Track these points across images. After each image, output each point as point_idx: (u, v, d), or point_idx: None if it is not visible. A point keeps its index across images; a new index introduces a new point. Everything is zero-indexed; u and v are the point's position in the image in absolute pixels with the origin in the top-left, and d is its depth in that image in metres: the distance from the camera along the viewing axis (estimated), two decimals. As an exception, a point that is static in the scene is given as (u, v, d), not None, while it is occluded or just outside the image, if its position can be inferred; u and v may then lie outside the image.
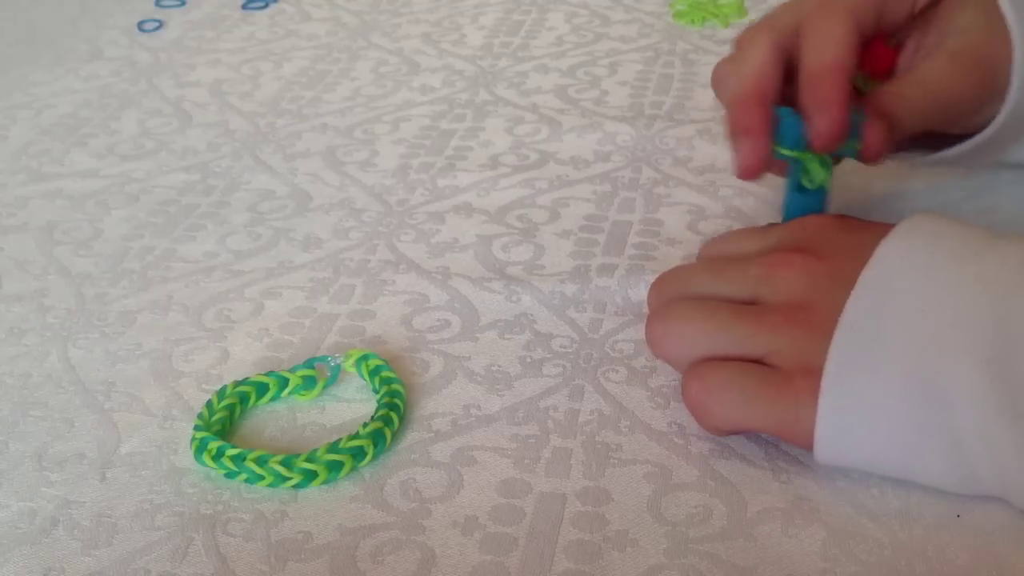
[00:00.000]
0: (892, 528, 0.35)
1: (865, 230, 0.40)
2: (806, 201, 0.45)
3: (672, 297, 0.42)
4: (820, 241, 0.40)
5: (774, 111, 0.44)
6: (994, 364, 0.34)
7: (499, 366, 0.44)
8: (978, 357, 0.34)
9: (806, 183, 0.44)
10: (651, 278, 0.48)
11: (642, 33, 0.76)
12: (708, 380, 0.38)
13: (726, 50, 0.73)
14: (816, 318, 0.37)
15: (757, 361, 0.38)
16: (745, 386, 0.37)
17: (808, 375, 0.36)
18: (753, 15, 0.77)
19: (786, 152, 0.43)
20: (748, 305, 0.39)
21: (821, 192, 0.44)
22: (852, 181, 0.55)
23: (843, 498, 0.37)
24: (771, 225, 0.45)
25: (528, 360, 0.44)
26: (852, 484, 0.37)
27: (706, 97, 0.66)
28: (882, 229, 0.39)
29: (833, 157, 0.43)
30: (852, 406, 0.35)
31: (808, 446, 0.37)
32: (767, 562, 0.34)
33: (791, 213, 0.45)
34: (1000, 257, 0.36)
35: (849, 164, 0.48)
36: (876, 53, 0.48)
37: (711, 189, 0.55)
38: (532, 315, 0.47)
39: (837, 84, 0.42)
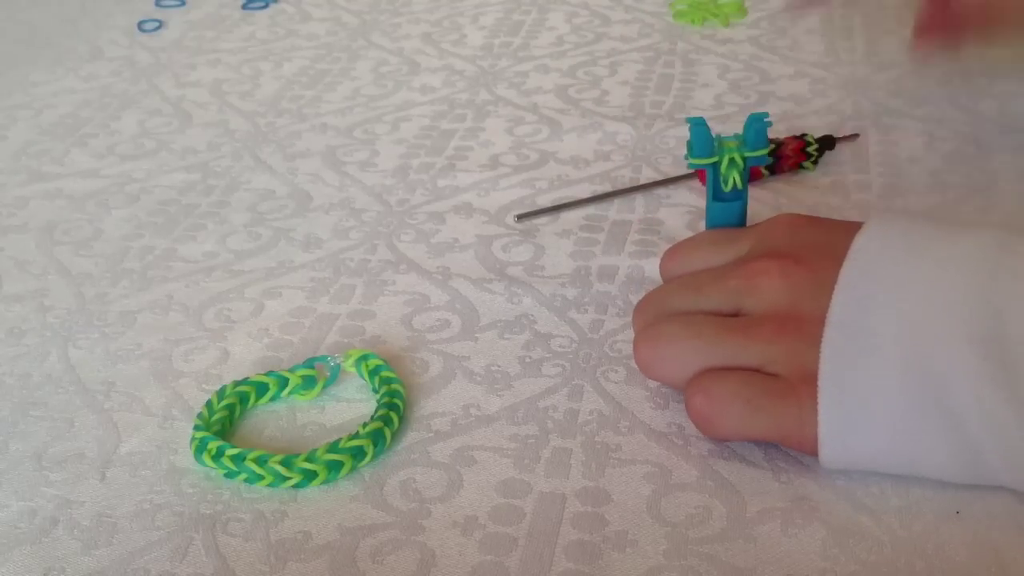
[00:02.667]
0: (892, 526, 0.35)
1: (835, 228, 0.40)
2: (725, 208, 0.45)
3: (656, 317, 0.41)
4: (793, 243, 0.40)
5: (687, 121, 0.44)
6: (986, 343, 0.34)
7: (498, 366, 0.44)
8: (970, 337, 0.34)
9: (722, 186, 0.44)
10: (654, 276, 0.48)
11: (642, 33, 0.76)
12: (712, 392, 0.38)
13: (726, 50, 0.73)
14: (805, 324, 0.37)
15: (754, 371, 0.38)
16: (750, 397, 0.37)
17: (808, 381, 0.36)
18: (753, 15, 0.77)
19: (697, 162, 0.44)
20: (734, 317, 0.39)
21: (740, 198, 0.45)
22: (848, 179, 0.55)
23: (843, 497, 0.37)
24: (737, 230, 0.44)
25: (527, 360, 0.44)
26: (852, 483, 0.37)
27: (706, 97, 0.66)
28: (851, 225, 0.39)
29: (746, 163, 0.44)
30: (851, 404, 0.35)
31: (814, 452, 0.37)
32: (767, 562, 0.34)
33: (713, 222, 0.46)
34: (975, 238, 0.37)
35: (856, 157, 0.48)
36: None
37: (711, 189, 0.56)
38: (532, 315, 0.47)
39: None
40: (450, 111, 0.66)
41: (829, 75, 0.67)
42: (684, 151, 0.59)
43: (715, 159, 0.44)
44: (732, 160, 0.44)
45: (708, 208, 0.46)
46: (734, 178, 0.44)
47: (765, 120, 0.44)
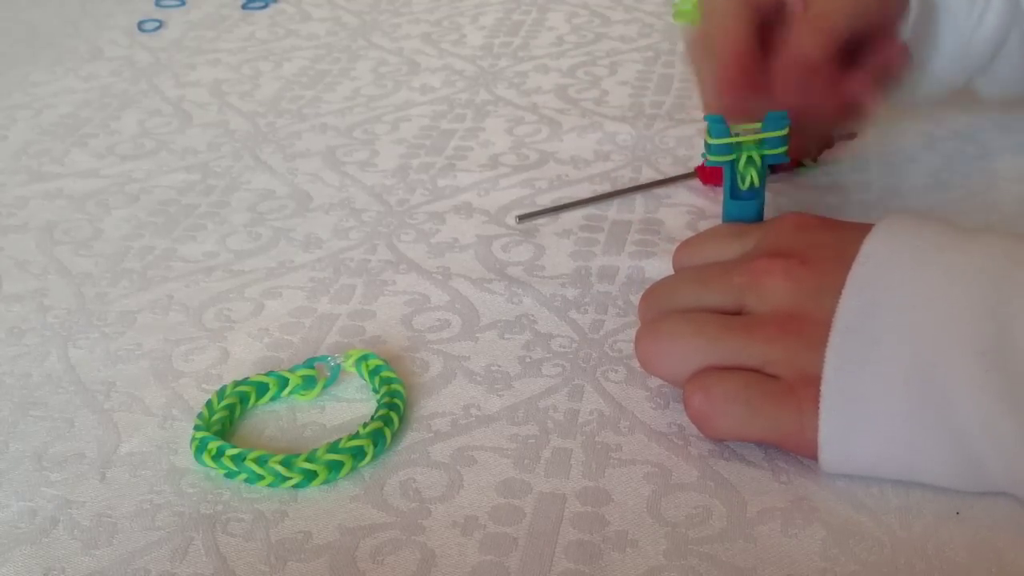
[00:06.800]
0: (892, 527, 0.35)
1: (843, 229, 0.40)
2: (743, 207, 0.45)
3: (660, 311, 0.41)
4: (800, 244, 0.40)
5: (704, 119, 0.44)
6: (990, 354, 0.34)
7: (498, 366, 0.44)
8: (973, 349, 0.34)
9: (739, 185, 0.44)
10: (654, 277, 0.48)
11: (642, 33, 0.76)
12: (712, 391, 0.38)
13: (726, 50, 0.72)
14: (808, 326, 0.37)
15: (754, 371, 0.38)
16: (749, 398, 0.37)
17: (809, 384, 0.36)
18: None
19: (715, 158, 0.44)
20: (737, 316, 0.39)
21: (757, 196, 0.45)
22: (848, 179, 0.55)
23: (843, 497, 0.37)
24: (747, 225, 0.44)
25: (527, 360, 0.44)
26: (852, 483, 0.37)
27: (706, 97, 0.66)
28: (860, 228, 0.39)
29: (763, 161, 0.44)
30: (853, 409, 0.35)
31: (814, 456, 0.37)
32: (767, 562, 0.34)
33: (729, 220, 0.46)
34: (983, 246, 0.36)
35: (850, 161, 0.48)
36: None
37: (710, 189, 0.55)
38: (532, 315, 0.47)
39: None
40: (450, 111, 0.66)
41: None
42: (684, 151, 0.59)
43: (733, 156, 0.44)
44: (750, 158, 0.44)
45: (725, 206, 0.46)
46: (751, 176, 0.44)
47: (784, 119, 0.44)
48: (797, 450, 0.37)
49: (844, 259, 0.37)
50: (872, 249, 0.37)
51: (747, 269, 0.39)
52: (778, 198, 0.54)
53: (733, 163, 0.44)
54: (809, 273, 0.38)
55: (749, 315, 0.39)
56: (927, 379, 0.34)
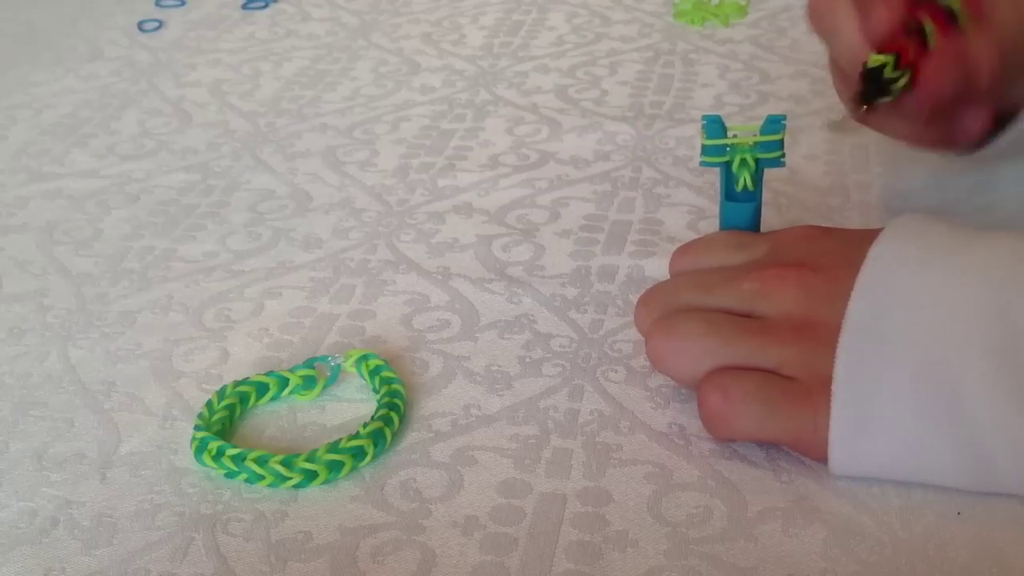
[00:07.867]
0: (893, 527, 0.35)
1: (851, 237, 0.40)
2: (738, 209, 0.45)
3: (663, 313, 0.41)
4: (810, 253, 0.40)
5: (702, 119, 0.44)
6: (1000, 352, 0.34)
7: (498, 366, 0.44)
8: (983, 347, 0.34)
9: (735, 186, 0.44)
10: (654, 276, 0.48)
11: (642, 33, 0.76)
12: (731, 391, 0.37)
13: (726, 50, 0.73)
14: (822, 331, 0.37)
15: (769, 373, 0.38)
16: (767, 398, 0.37)
17: (823, 387, 0.36)
18: (753, 15, 0.77)
19: (709, 160, 0.44)
20: (749, 318, 0.39)
21: (753, 199, 0.45)
22: (849, 180, 0.55)
23: (844, 497, 0.37)
24: (750, 235, 0.44)
25: (527, 360, 0.44)
26: (853, 483, 0.37)
27: (706, 97, 0.66)
28: (867, 234, 0.39)
29: (758, 165, 0.44)
30: (863, 410, 0.35)
31: (825, 459, 0.37)
32: (768, 562, 0.34)
33: (726, 221, 0.46)
34: (990, 246, 0.37)
35: (854, 159, 0.48)
36: None
37: (711, 189, 0.55)
38: (532, 315, 0.47)
39: None
40: (450, 111, 0.66)
41: (829, 75, 0.67)
42: (684, 151, 0.59)
43: (727, 158, 0.44)
44: (744, 160, 0.44)
45: (721, 207, 0.46)
46: (745, 178, 0.44)
47: (782, 123, 0.43)
48: (809, 452, 0.37)
49: (854, 264, 0.37)
50: (879, 252, 0.38)
51: (758, 276, 0.39)
52: (779, 199, 0.54)
53: (727, 164, 0.44)
54: (820, 280, 0.38)
55: (761, 318, 0.39)
56: (937, 379, 0.35)
